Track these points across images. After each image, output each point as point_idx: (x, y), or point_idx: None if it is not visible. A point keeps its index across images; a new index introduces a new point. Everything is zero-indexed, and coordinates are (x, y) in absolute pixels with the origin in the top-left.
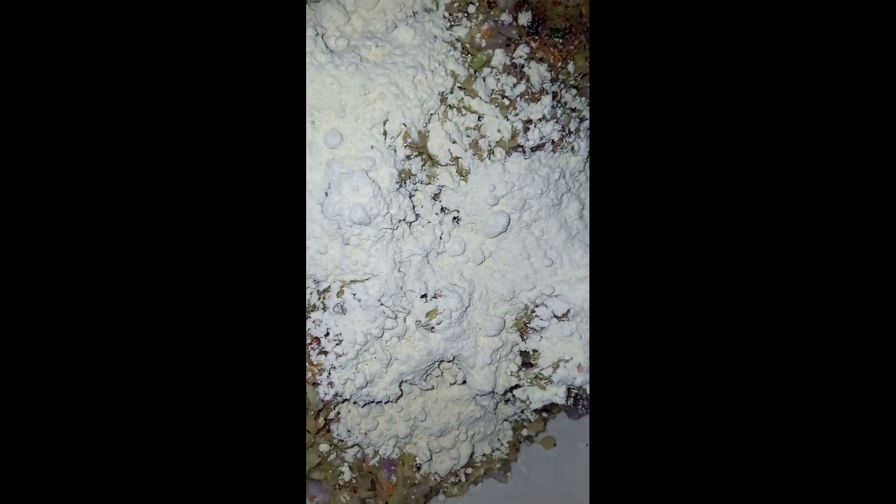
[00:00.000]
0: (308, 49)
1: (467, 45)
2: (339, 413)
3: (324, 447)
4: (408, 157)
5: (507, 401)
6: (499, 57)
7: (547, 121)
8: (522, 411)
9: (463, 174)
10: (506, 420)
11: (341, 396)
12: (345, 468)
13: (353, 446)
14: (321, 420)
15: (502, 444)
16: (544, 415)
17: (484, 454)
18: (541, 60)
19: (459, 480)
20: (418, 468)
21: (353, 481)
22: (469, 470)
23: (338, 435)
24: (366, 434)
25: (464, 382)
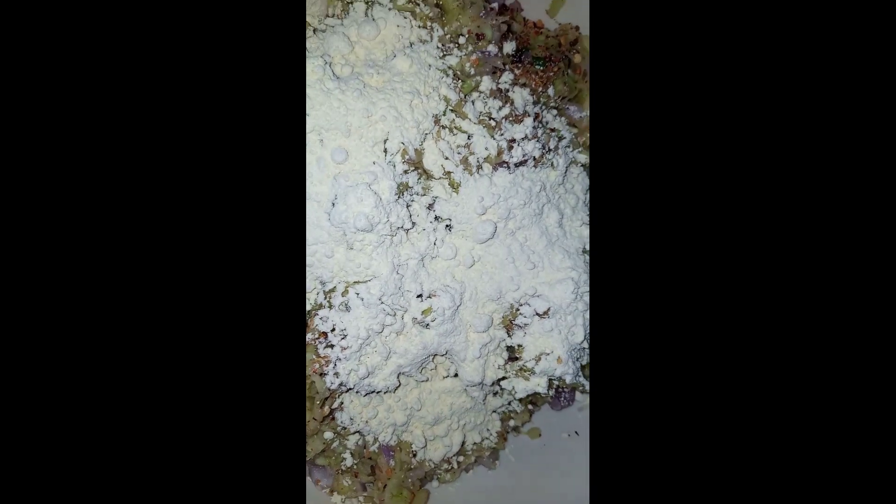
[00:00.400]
0: (318, 76)
1: (458, 73)
2: (342, 403)
3: (328, 435)
4: (405, 172)
5: (495, 393)
6: (486, 83)
7: (529, 140)
8: (509, 403)
9: (454, 187)
10: (494, 411)
11: (345, 386)
12: (347, 455)
13: (354, 433)
14: (326, 408)
15: (491, 434)
16: (530, 407)
17: (474, 443)
18: (524, 86)
19: (452, 467)
20: (414, 455)
21: (355, 467)
22: (461, 458)
23: (341, 423)
24: (367, 422)
25: (456, 375)
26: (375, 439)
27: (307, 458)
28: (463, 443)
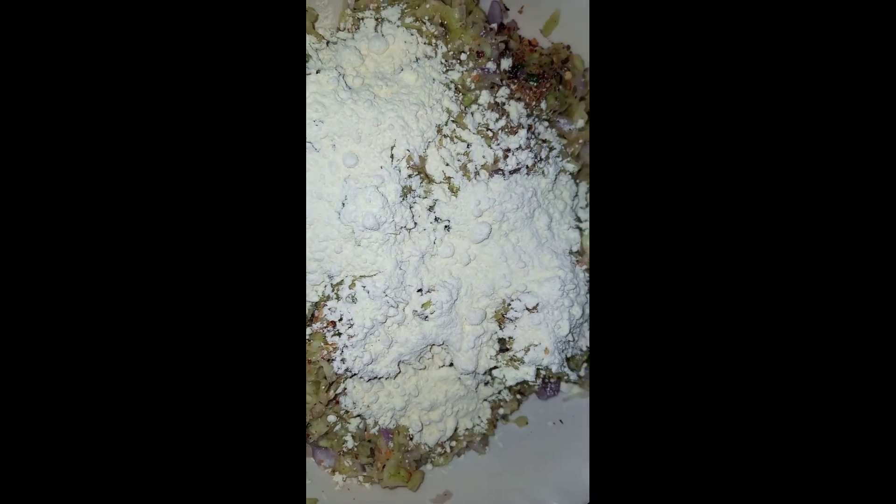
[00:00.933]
0: (332, 87)
1: (460, 87)
2: (346, 388)
3: (331, 418)
4: (409, 176)
5: (486, 383)
6: (485, 97)
7: (523, 150)
8: (499, 392)
9: (454, 191)
10: (485, 400)
11: (351, 371)
12: (348, 437)
13: (356, 416)
14: (331, 393)
15: (482, 421)
16: (518, 396)
17: (466, 429)
18: (518, 100)
19: (445, 451)
20: (411, 438)
21: (355, 449)
22: (453, 443)
23: (345, 406)
24: (368, 406)
25: (451, 365)
26: (376, 423)
27: (311, 441)
28: (456, 429)
